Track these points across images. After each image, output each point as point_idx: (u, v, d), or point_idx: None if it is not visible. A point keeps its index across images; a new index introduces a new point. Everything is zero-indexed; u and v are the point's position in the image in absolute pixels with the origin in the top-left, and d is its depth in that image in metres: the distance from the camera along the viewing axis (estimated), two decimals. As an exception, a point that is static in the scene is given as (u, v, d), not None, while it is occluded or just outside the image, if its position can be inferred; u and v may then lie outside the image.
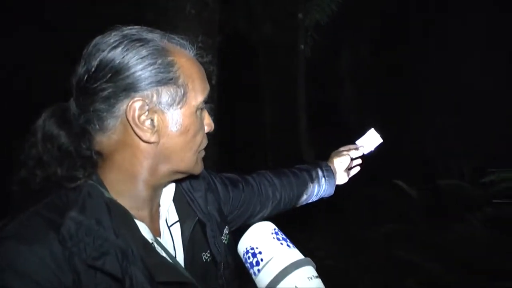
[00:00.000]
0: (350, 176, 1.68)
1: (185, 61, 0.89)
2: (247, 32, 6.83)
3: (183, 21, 3.25)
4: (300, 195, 1.53)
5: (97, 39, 0.86)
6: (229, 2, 6.32)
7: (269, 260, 0.80)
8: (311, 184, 1.53)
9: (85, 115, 0.85)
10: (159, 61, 0.84)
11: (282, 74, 6.72)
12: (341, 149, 1.65)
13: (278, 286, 0.75)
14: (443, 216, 4.35)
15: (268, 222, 0.91)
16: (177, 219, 1.01)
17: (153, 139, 0.86)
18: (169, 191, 1.02)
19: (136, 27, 0.88)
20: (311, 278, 0.76)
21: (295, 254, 0.81)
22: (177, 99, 0.86)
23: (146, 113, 0.84)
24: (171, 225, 1.00)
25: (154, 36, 0.87)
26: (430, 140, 7.27)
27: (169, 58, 0.86)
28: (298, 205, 1.57)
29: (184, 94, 0.87)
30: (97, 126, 0.86)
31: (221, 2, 3.95)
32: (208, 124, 0.97)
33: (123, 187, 0.89)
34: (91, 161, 0.87)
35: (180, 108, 0.87)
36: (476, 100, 6.45)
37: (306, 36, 6.05)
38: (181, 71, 0.87)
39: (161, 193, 1.00)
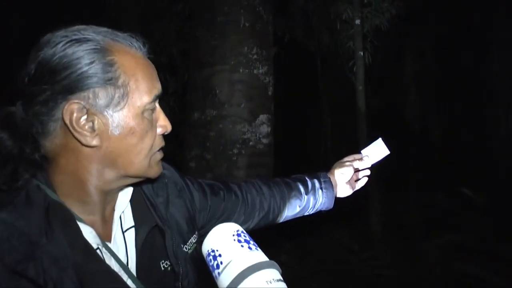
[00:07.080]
0: (356, 188, 1.55)
1: (129, 60, 0.84)
2: (305, 41, 6.86)
3: (237, 35, 3.31)
4: (292, 207, 1.43)
5: (41, 40, 0.82)
6: (286, 12, 6.41)
7: (228, 263, 0.76)
8: (305, 196, 1.43)
9: (28, 118, 0.82)
10: (97, 60, 0.79)
11: (341, 81, 6.68)
12: (345, 159, 1.53)
13: None
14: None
15: (232, 223, 0.86)
16: (133, 224, 0.96)
17: (94, 142, 0.81)
18: (125, 195, 0.97)
19: (81, 26, 0.84)
20: (270, 282, 0.71)
21: (256, 257, 0.76)
22: (118, 100, 0.81)
23: (85, 116, 0.80)
24: (125, 231, 0.95)
25: (96, 35, 0.82)
26: (499, 144, 6.87)
27: (108, 58, 0.81)
28: (291, 218, 1.47)
29: (126, 95, 0.82)
30: (40, 130, 0.82)
31: (276, 13, 3.96)
32: (162, 125, 0.91)
33: (71, 190, 0.85)
34: (35, 164, 0.82)
35: (122, 109, 0.82)
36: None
37: (365, 42, 5.97)
38: (121, 70, 0.82)
39: (116, 197, 0.96)
